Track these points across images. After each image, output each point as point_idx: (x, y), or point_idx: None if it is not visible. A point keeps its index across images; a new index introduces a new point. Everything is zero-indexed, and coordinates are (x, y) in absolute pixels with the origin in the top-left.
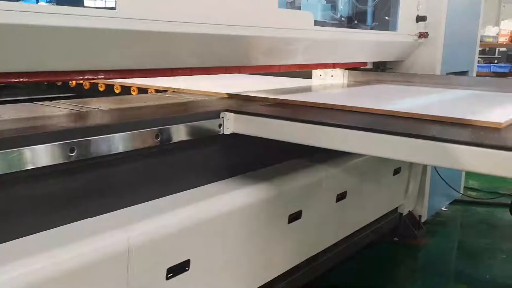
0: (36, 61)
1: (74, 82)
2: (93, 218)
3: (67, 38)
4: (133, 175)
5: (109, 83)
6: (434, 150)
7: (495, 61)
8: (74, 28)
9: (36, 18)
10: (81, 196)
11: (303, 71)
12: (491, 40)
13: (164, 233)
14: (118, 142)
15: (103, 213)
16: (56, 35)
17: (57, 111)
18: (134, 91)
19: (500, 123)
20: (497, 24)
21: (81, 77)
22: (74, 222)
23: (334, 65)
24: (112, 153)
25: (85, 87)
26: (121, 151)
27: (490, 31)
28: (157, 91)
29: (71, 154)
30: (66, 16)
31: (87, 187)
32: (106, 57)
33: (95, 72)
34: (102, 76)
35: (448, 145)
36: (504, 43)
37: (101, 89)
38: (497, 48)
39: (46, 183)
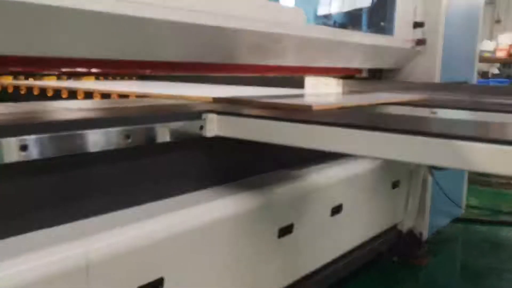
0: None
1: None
2: (48, 228)
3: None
4: (98, 181)
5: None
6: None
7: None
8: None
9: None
10: (35, 202)
11: (295, 80)
12: (488, 55)
13: (132, 247)
14: (80, 141)
15: (60, 224)
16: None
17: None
18: (96, 97)
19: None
20: (490, 39)
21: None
22: (26, 232)
23: (327, 71)
24: (73, 153)
25: (21, 92)
26: (83, 151)
27: (487, 46)
28: (120, 96)
29: (22, 153)
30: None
31: (41, 192)
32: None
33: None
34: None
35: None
36: (503, 58)
37: (48, 95)
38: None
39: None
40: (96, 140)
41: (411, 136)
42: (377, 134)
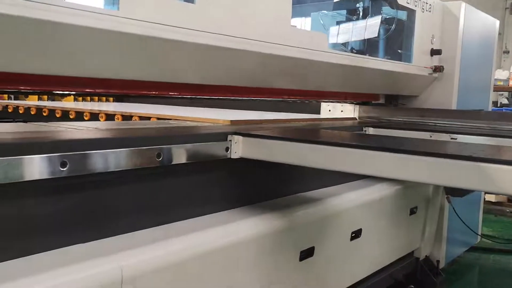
0: None
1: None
2: (84, 244)
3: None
4: (130, 199)
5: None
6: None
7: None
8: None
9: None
10: (71, 218)
11: (311, 107)
12: (501, 83)
13: (162, 264)
14: (115, 159)
15: (95, 239)
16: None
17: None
18: (118, 118)
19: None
20: (499, 68)
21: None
22: (62, 247)
23: (345, 96)
24: (108, 170)
25: (32, 112)
26: (118, 169)
27: (500, 75)
28: (141, 118)
29: (62, 169)
30: None
31: (78, 208)
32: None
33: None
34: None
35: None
36: None
37: (57, 116)
38: None
39: (34, 201)
40: (130, 158)
41: (436, 158)
42: (408, 157)
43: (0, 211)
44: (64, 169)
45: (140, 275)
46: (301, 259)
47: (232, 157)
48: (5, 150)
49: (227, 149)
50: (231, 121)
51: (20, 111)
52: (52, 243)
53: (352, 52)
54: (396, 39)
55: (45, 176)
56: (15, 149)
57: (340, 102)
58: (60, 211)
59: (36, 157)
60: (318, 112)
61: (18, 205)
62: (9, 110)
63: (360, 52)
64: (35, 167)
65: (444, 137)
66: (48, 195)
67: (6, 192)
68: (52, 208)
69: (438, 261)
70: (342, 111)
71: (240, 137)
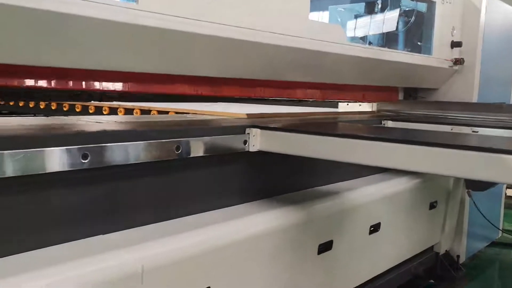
0: None
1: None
2: (104, 235)
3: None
4: (150, 191)
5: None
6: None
7: None
8: None
9: None
10: (93, 209)
11: (328, 101)
12: None
13: (183, 256)
14: (135, 151)
15: (115, 231)
16: None
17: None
18: (136, 112)
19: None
20: None
21: None
22: (83, 238)
23: (364, 88)
24: (128, 163)
25: (53, 108)
26: (137, 161)
27: None
28: (159, 112)
29: (83, 161)
30: None
31: (99, 199)
32: None
33: None
34: None
35: None
36: None
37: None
38: None
39: (57, 192)
40: (150, 150)
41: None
42: (428, 149)
43: (22, 203)
44: (86, 161)
45: (160, 266)
46: (320, 252)
47: (250, 150)
48: (28, 142)
49: (245, 142)
50: (247, 114)
51: (41, 106)
52: (73, 234)
53: (370, 45)
54: (415, 31)
55: (67, 168)
56: (38, 141)
57: (356, 100)
58: (82, 202)
59: (58, 149)
60: (336, 106)
61: (40, 196)
62: (30, 106)
63: (378, 45)
64: (57, 159)
65: (465, 130)
66: (69, 187)
67: (29, 183)
68: (74, 199)
69: (458, 256)
70: (360, 105)
71: (258, 130)
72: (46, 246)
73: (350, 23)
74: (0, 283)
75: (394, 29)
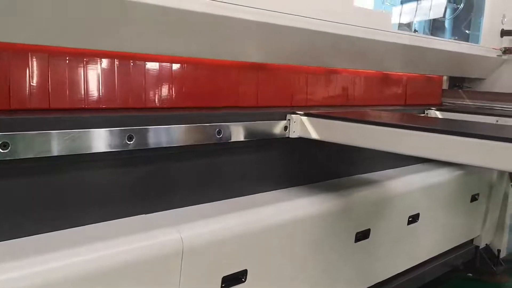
0: None
1: None
2: (147, 215)
3: None
4: (192, 173)
5: None
6: None
7: None
8: None
9: None
10: (136, 190)
11: None
12: None
13: (222, 238)
14: (178, 134)
15: (157, 211)
16: None
17: None
18: None
19: None
20: None
21: None
22: (127, 217)
23: (408, 78)
24: (171, 145)
25: None
26: (179, 144)
27: None
28: None
29: (129, 142)
30: None
31: (142, 180)
32: None
33: None
34: None
35: None
36: None
37: None
38: None
39: (100, 172)
40: (192, 133)
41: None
42: (471, 140)
43: (68, 181)
44: (131, 142)
45: (199, 246)
46: (356, 240)
47: (290, 136)
48: (76, 123)
49: (285, 128)
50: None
51: None
52: (117, 212)
53: (415, 33)
54: (463, 19)
55: (113, 148)
56: (87, 122)
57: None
58: (126, 182)
59: (106, 130)
60: None
61: (86, 175)
62: None
63: (424, 33)
64: (105, 140)
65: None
66: (115, 167)
67: (76, 162)
68: (119, 179)
69: (499, 250)
70: None
71: (299, 117)
72: (92, 223)
73: (396, 9)
74: (67, 252)
75: (442, 16)
